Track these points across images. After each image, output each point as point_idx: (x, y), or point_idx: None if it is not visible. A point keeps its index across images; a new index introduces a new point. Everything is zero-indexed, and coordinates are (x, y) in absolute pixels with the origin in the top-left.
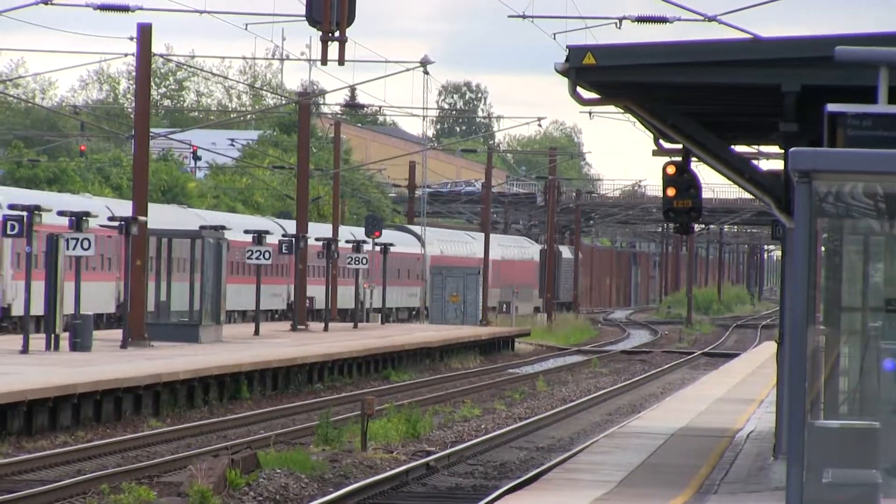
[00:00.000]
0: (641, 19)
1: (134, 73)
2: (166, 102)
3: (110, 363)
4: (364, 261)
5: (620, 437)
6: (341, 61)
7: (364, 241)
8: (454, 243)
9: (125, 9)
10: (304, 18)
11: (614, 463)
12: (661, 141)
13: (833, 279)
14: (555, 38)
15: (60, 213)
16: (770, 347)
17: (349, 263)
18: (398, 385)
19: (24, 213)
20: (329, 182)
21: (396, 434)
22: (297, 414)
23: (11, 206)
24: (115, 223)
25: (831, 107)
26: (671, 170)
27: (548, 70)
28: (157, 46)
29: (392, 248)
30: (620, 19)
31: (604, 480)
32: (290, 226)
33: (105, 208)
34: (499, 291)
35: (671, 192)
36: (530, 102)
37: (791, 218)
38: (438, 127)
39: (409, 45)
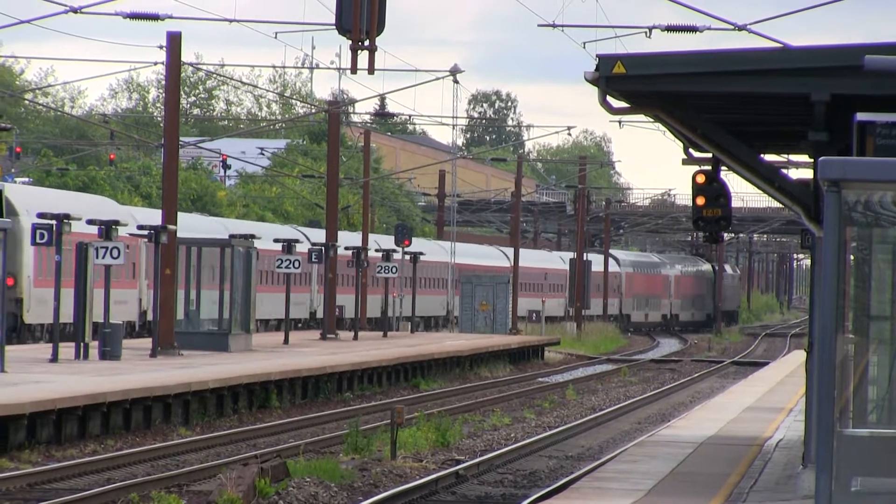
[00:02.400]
0: (671, 28)
1: (163, 82)
2: (196, 111)
3: (140, 372)
4: (393, 269)
5: (650, 445)
6: (371, 70)
7: (394, 250)
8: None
9: (155, 17)
10: (334, 27)
11: (643, 471)
12: (690, 150)
13: (862, 288)
14: (584, 47)
15: (90, 222)
16: (799, 356)
17: (378, 272)
18: (428, 394)
19: (54, 222)
20: (358, 191)
21: (426, 443)
22: (326, 423)
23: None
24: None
25: (861, 116)
26: (701, 179)
27: (577, 79)
28: (186, 55)
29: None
30: (650, 28)
31: (633, 489)
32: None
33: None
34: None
35: (701, 201)
36: (560, 111)
37: (820, 227)
38: (468, 136)
39: (439, 55)
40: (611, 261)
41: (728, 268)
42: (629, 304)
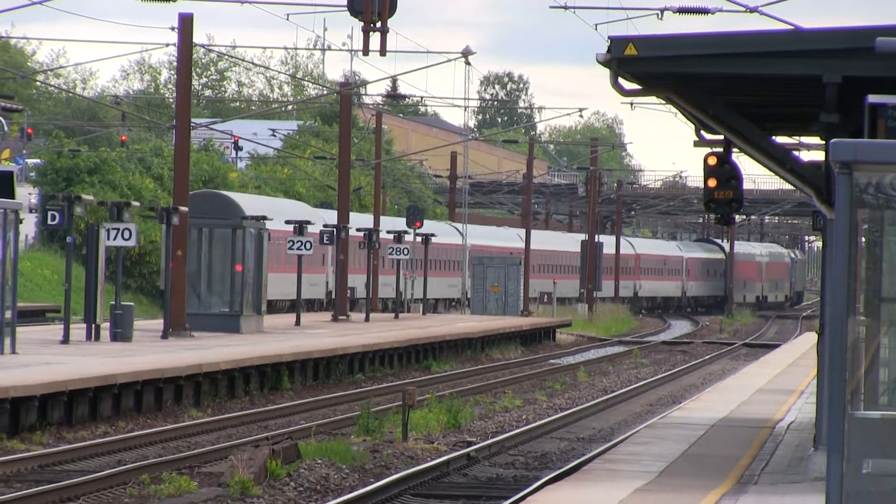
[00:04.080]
0: (683, 10)
1: (175, 64)
2: (207, 92)
3: (151, 353)
4: (405, 251)
5: (661, 427)
6: (383, 52)
7: (406, 231)
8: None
9: None
10: (346, 9)
11: (655, 454)
12: (702, 132)
13: (873, 270)
14: (596, 29)
15: (101, 204)
16: (810, 338)
17: (390, 254)
18: (439, 375)
19: (65, 204)
20: (370, 172)
21: (437, 424)
22: (337, 404)
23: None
24: (154, 214)
25: (872, 98)
26: (712, 160)
27: (589, 61)
28: (198, 36)
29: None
30: (662, 10)
31: (644, 471)
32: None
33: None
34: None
35: (712, 182)
36: (572, 93)
37: (832, 209)
38: (480, 117)
39: (451, 36)
40: (716, 248)
41: (798, 253)
42: (733, 287)
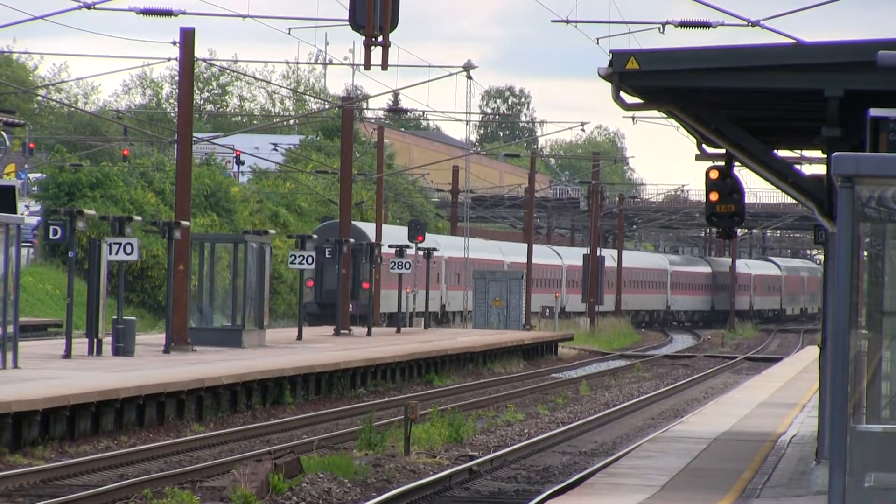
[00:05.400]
0: (685, 24)
1: (177, 78)
2: (209, 107)
3: (153, 368)
4: (406, 265)
5: (663, 441)
6: (384, 66)
7: (407, 246)
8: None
9: (168, 13)
10: (348, 23)
11: (657, 467)
12: (703, 145)
13: (875, 283)
14: (598, 43)
15: (103, 218)
16: (812, 352)
17: (392, 268)
18: (441, 389)
19: (67, 219)
20: (372, 186)
21: (439, 438)
22: (340, 419)
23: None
24: (156, 229)
25: (874, 111)
26: (714, 174)
27: (591, 75)
28: (200, 51)
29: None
30: (664, 24)
31: (646, 485)
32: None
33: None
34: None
35: (714, 196)
36: (573, 107)
37: (834, 222)
38: (482, 131)
39: (452, 51)
40: (772, 266)
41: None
42: (785, 300)
